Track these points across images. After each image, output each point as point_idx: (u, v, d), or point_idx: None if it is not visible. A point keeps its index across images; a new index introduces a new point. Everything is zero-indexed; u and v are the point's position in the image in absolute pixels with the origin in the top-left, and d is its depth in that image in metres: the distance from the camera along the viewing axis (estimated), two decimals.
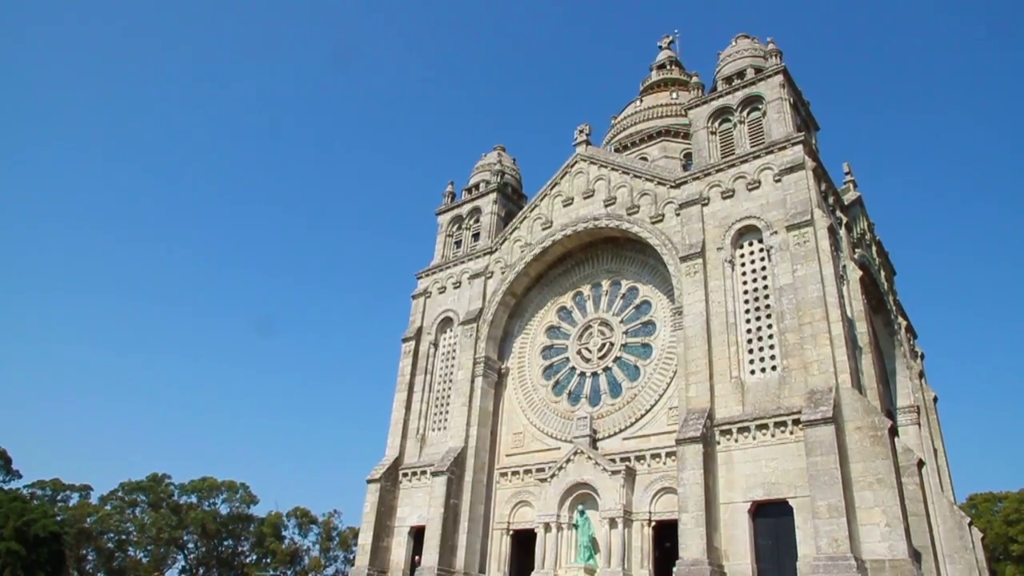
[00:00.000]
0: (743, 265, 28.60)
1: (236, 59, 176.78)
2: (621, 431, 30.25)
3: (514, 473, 32.91)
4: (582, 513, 28.70)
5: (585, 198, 35.58)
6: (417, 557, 32.21)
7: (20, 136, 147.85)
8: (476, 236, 40.48)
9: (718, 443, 25.48)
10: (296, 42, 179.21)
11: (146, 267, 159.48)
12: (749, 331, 27.12)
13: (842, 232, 29.37)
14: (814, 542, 21.56)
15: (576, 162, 37.12)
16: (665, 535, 27.25)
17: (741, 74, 32.80)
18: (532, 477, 31.76)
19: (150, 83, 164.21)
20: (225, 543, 76.87)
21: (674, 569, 23.61)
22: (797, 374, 24.89)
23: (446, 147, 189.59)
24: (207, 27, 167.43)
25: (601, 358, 32.96)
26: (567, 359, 34.20)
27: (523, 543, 31.21)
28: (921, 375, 36.68)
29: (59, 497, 73.30)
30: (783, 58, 32.18)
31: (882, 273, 37.71)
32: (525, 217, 37.76)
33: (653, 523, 27.49)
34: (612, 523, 27.56)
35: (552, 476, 30.07)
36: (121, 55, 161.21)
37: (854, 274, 27.74)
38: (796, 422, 23.88)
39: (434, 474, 32.72)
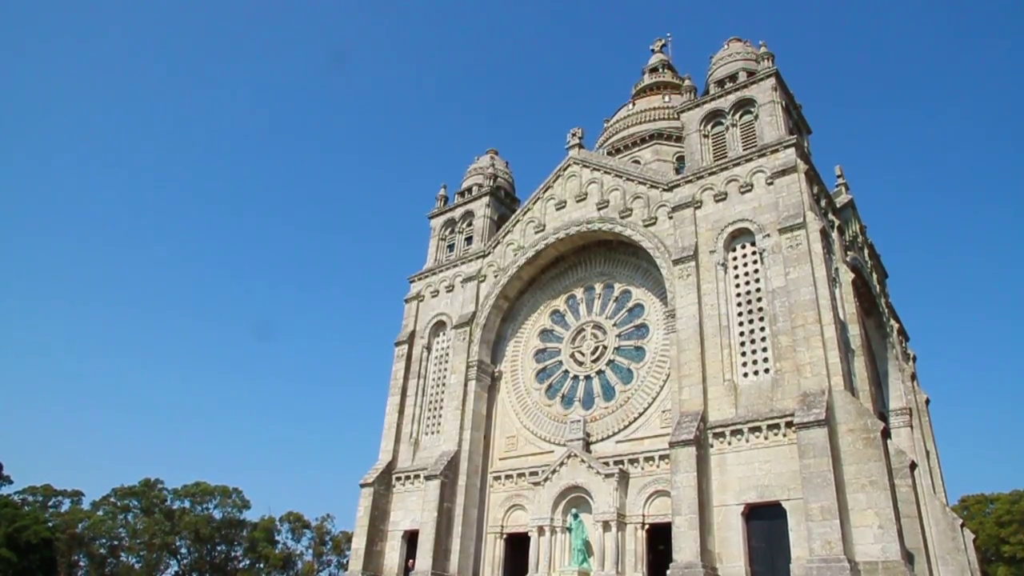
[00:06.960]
0: (736, 268, 28.64)
1: (229, 64, 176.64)
2: (614, 434, 30.22)
3: (507, 477, 32.84)
4: (576, 516, 28.66)
5: (578, 201, 35.58)
6: (411, 561, 32.15)
7: (12, 139, 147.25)
8: (469, 240, 40.41)
9: (711, 446, 25.49)
10: (289, 47, 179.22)
11: (137, 272, 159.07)
12: (742, 334, 27.16)
13: (834, 235, 29.47)
14: (807, 544, 21.58)
15: (569, 165, 37.12)
16: (659, 538, 27.26)
17: (733, 77, 32.89)
18: (526, 480, 31.72)
19: (143, 87, 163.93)
20: (218, 548, 76.56)
21: (668, 572, 23.57)
22: (790, 376, 24.92)
23: (439, 151, 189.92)
24: (200, 30, 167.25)
25: (594, 361, 32.93)
26: (560, 362, 34.17)
27: (517, 547, 31.13)
28: (913, 377, 36.80)
29: (50, 503, 73.02)
30: (775, 61, 32.24)
31: (874, 276, 37.84)
32: (518, 220, 37.74)
33: (647, 526, 27.49)
34: (606, 526, 27.56)
35: (545, 479, 30.02)
36: (114, 56, 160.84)
37: (846, 276, 27.81)
38: (789, 424, 23.91)
39: (427, 478, 32.64)
